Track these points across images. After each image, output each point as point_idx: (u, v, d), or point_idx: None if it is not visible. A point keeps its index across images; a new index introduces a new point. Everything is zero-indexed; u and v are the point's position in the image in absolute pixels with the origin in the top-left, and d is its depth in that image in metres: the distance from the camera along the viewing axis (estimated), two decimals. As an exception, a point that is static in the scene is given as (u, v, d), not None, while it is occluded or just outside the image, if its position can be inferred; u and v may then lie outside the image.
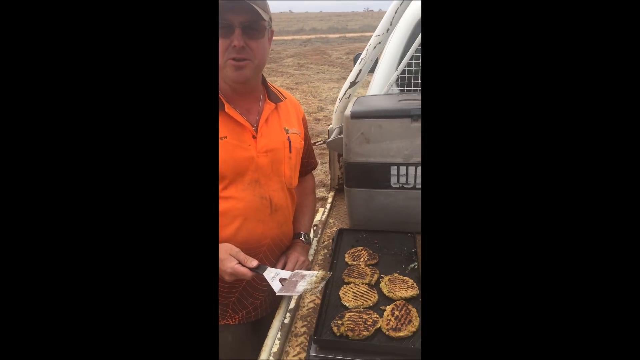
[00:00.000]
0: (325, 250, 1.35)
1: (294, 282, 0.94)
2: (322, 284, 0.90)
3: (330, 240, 1.42)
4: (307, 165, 1.30)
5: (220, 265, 0.95)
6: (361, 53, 2.66)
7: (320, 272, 0.95)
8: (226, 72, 0.96)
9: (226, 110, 0.99)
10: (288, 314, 1.00)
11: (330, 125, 1.69)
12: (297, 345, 0.94)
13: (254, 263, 0.95)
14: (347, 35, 22.54)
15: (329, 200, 1.71)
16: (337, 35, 22.63)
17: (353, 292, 0.93)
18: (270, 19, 1.00)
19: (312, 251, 1.32)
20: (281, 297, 1.09)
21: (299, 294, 0.92)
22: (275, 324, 1.01)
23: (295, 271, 0.99)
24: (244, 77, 0.97)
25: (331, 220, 1.57)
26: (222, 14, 0.89)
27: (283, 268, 1.11)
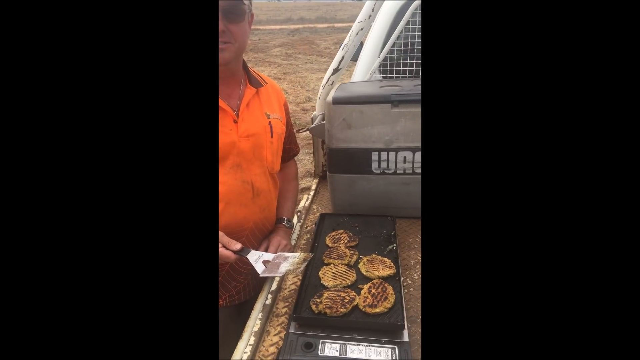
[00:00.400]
0: (308, 235, 1.37)
1: (277, 263, 0.96)
2: (304, 265, 0.93)
3: (313, 226, 1.44)
4: (289, 151, 1.32)
5: None
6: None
7: (302, 253, 0.98)
8: None
9: None
10: (270, 296, 1.02)
11: (314, 113, 1.70)
12: (278, 325, 0.96)
13: (237, 246, 0.96)
14: (336, 25, 22.35)
15: (313, 187, 1.72)
16: (325, 25, 22.43)
17: (332, 273, 0.96)
18: (250, 2, 1.00)
19: (295, 236, 1.34)
20: (264, 280, 1.11)
21: (281, 275, 0.94)
22: (258, 306, 1.03)
23: (278, 253, 1.02)
24: (224, 59, 0.98)
25: (315, 206, 1.59)
26: None
27: (266, 251, 1.13)
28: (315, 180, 1.79)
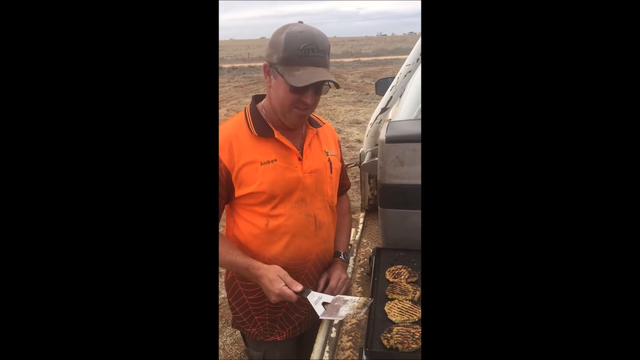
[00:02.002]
0: (362, 269, 1.40)
1: (337, 306, 0.98)
2: (365, 310, 0.93)
3: (365, 259, 1.47)
4: (342, 185, 1.38)
5: (269, 286, 1.01)
6: (383, 78, 2.76)
7: (362, 298, 0.98)
8: (290, 117, 1.06)
9: (276, 136, 1.08)
10: (334, 329, 1.05)
11: (362, 149, 1.77)
12: (344, 359, 0.98)
13: (298, 287, 1.01)
14: (362, 59, 23.00)
15: (361, 220, 1.77)
16: (351, 60, 23.09)
17: (398, 308, 0.98)
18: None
19: (349, 269, 1.37)
20: None
21: (342, 318, 0.94)
22: (320, 339, 1.06)
23: (337, 296, 1.03)
24: (305, 121, 1.12)
25: (364, 240, 1.62)
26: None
27: (326, 285, 1.16)
28: (362, 214, 1.83)
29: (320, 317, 0.99)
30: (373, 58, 22.88)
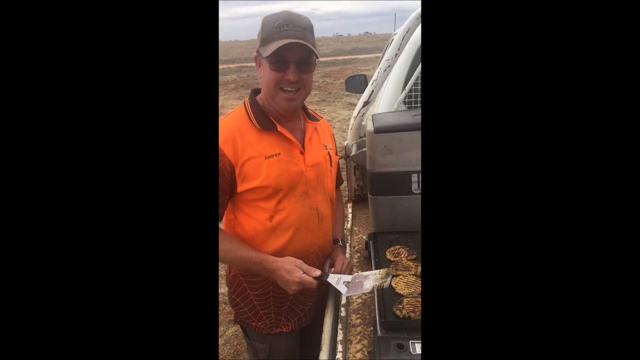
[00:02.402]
0: (359, 254, 1.47)
1: (359, 282, 1.02)
2: (389, 279, 0.99)
3: (359, 246, 1.54)
4: (338, 178, 1.44)
5: (288, 277, 1.03)
6: (351, 76, 2.87)
7: (382, 270, 1.03)
8: (278, 101, 1.08)
9: (279, 129, 1.11)
10: (342, 308, 1.11)
11: (346, 142, 1.84)
12: (357, 334, 1.05)
13: (317, 272, 1.04)
14: (321, 59, 23.14)
15: (350, 211, 1.84)
16: (310, 60, 23.16)
17: (404, 282, 1.06)
18: (317, 56, 1.11)
19: (347, 255, 1.44)
20: (325, 302, 1.19)
21: (368, 291, 0.99)
22: (327, 320, 1.12)
23: (355, 274, 1.07)
24: (294, 107, 1.11)
25: (355, 228, 1.70)
26: (280, 51, 1.00)
27: (330, 269, 1.22)
28: (350, 204, 1.91)
29: (345, 295, 1.01)
30: (332, 58, 23.06)
